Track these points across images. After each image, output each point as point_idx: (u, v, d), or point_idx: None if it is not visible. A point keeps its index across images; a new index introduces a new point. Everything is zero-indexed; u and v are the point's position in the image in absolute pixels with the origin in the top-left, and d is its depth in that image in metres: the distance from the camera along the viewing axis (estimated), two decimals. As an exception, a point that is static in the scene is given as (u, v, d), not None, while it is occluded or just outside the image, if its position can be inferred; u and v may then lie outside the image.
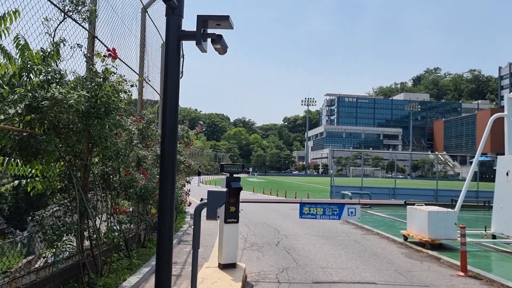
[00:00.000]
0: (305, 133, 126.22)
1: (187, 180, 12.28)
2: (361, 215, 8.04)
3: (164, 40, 5.86)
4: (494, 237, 10.28)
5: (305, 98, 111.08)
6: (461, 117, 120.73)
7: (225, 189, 3.80)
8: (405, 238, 10.16)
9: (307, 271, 7.17)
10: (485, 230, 10.50)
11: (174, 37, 3.29)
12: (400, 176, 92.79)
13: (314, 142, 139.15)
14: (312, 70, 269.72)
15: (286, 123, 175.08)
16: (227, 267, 6.41)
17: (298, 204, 7.24)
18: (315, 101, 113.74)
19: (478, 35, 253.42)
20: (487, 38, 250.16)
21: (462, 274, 7.18)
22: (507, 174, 9.93)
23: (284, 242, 9.83)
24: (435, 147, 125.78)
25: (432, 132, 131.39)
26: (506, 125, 10.34)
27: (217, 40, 3.28)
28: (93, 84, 5.11)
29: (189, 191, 12.23)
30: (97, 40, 6.26)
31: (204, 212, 3.88)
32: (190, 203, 12.21)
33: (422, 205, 10.14)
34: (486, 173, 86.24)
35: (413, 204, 10.04)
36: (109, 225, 6.04)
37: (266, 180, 53.60)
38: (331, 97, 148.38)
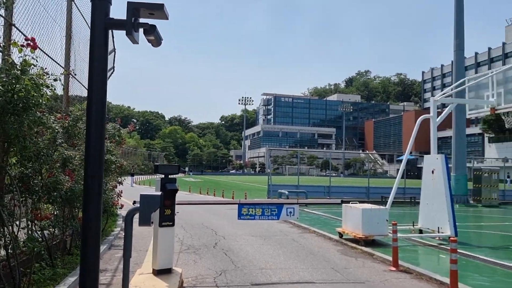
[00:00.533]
0: (243, 132, 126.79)
1: (119, 181, 11.66)
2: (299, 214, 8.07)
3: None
4: (421, 231, 10.84)
5: (243, 97, 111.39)
6: (389, 118, 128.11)
7: (159, 193, 3.52)
8: (341, 235, 10.40)
9: (246, 273, 7.04)
10: (413, 226, 11.04)
11: (100, 25, 2.96)
12: (334, 174, 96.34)
13: (251, 141, 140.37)
14: (250, 69, 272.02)
15: (223, 122, 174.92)
16: (162, 272, 6.09)
17: (236, 205, 7.09)
18: (252, 100, 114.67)
19: (404, 41, 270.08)
20: (412, 44, 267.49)
21: (394, 269, 7.44)
22: (432, 172, 10.50)
23: (221, 244, 9.63)
24: (365, 146, 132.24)
25: (363, 132, 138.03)
26: (431, 126, 10.94)
27: (150, 30, 3.00)
28: (9, 77, 4.56)
29: (121, 192, 11.63)
30: (15, 29, 5.64)
31: (136, 217, 3.59)
32: (122, 206, 11.61)
33: (356, 203, 10.43)
34: (411, 170, 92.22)
35: (348, 202, 10.28)
36: (29, 232, 5.46)
37: (202, 180, 53.03)
38: (268, 97, 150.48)
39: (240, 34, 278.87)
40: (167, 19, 3.02)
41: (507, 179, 36.89)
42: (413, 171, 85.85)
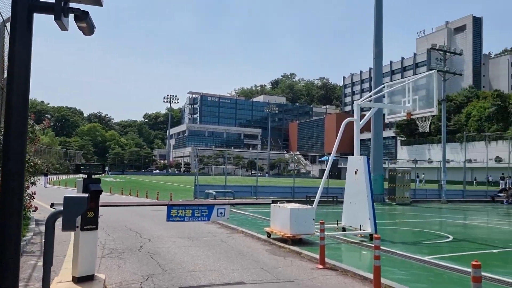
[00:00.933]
0: (167, 131, 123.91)
1: (32, 181, 10.73)
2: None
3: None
4: (344, 229, 11.30)
5: (168, 95, 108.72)
6: (312, 120, 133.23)
7: (86, 194, 3.21)
8: (269, 235, 10.50)
9: (174, 276, 6.80)
10: (337, 224, 11.48)
11: (24, 9, 2.61)
12: (259, 174, 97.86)
13: (176, 141, 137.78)
14: (176, 67, 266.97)
15: (146, 120, 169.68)
16: (84, 280, 5.65)
17: (163, 206, 6.83)
18: (178, 99, 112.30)
19: (327, 46, 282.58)
20: (335, 50, 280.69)
21: (321, 267, 7.64)
22: (355, 172, 11.00)
23: (147, 247, 9.24)
24: (290, 147, 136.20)
25: (287, 133, 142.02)
26: (355, 129, 11.46)
27: (83, 17, 2.72)
28: None
29: (34, 193, 10.70)
30: None
31: (58, 222, 3.25)
32: (36, 208, 10.69)
33: (284, 203, 10.61)
34: (332, 171, 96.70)
35: (277, 202, 10.41)
36: None
37: (124, 180, 50.90)
38: (194, 95, 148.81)
39: (166, 31, 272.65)
40: (101, 5, 2.75)
41: (416, 179, 40.05)
42: (334, 171, 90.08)
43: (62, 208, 3.07)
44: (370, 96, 11.81)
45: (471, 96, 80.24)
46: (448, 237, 11.10)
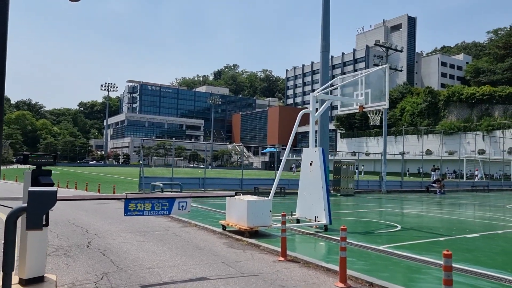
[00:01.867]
0: (105, 120, 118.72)
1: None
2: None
3: None
4: (298, 221, 11.34)
5: (105, 83, 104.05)
6: (255, 112, 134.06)
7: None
8: (224, 227, 10.27)
9: (132, 274, 6.37)
10: (291, 215, 11.50)
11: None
12: (202, 166, 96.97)
13: (114, 131, 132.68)
14: (113, 54, 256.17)
15: (82, 109, 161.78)
16: (33, 282, 5.11)
17: (107, 200, 6.36)
18: (116, 87, 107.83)
19: (270, 38, 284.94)
20: (277, 43, 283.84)
21: (282, 259, 7.55)
22: (310, 164, 11.05)
23: (96, 243, 8.64)
24: (233, 138, 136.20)
25: (230, 125, 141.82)
26: (310, 120, 11.50)
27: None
28: None
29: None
30: None
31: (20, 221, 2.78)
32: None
33: (240, 195, 10.39)
34: (274, 162, 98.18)
35: (236, 194, 10.16)
36: None
37: (58, 172, 48.05)
38: (133, 84, 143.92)
39: (101, 17, 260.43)
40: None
41: (356, 170, 41.63)
42: (276, 162, 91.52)
43: (25, 204, 2.65)
44: (326, 88, 11.90)
45: (406, 92, 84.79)
46: (397, 226, 11.52)
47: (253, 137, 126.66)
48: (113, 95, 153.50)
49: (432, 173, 37.12)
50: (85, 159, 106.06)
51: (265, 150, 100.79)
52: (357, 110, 11.94)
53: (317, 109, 11.82)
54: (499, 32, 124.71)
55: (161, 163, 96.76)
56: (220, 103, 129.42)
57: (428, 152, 58.94)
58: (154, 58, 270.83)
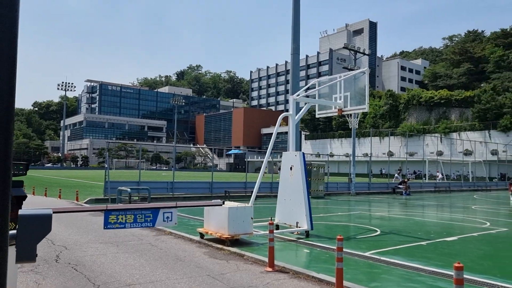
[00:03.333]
0: (61, 121, 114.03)
1: None
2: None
3: None
4: (277, 227, 11.01)
5: (62, 82, 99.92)
6: (220, 113, 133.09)
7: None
8: (202, 235, 9.80)
9: (111, 292, 5.81)
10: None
11: None
12: (164, 168, 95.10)
13: (71, 132, 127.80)
14: (71, 53, 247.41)
15: (36, 109, 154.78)
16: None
17: (88, 211, 5.74)
18: (74, 87, 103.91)
19: (234, 39, 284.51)
20: (242, 44, 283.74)
21: (270, 269, 7.18)
22: (290, 168, 10.76)
23: (65, 256, 7.94)
24: (196, 140, 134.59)
25: (194, 126, 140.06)
26: (290, 123, 11.22)
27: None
28: None
29: None
30: None
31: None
32: None
33: (218, 201, 9.95)
34: (240, 164, 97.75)
35: (212, 199, 9.71)
36: None
37: (15, 175, 45.37)
38: (92, 84, 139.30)
39: (60, 12, 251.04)
40: None
41: (326, 172, 41.99)
42: (242, 164, 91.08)
43: (13, 231, 2.15)
44: (306, 91, 11.66)
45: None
46: (376, 231, 11.44)
47: (218, 138, 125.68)
48: (70, 95, 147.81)
49: (396, 175, 37.98)
50: (40, 161, 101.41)
51: (230, 152, 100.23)
52: (336, 113, 11.79)
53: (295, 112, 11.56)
54: (454, 39, 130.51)
55: (122, 165, 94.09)
56: (183, 104, 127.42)
57: (390, 154, 60.52)
58: (114, 57, 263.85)
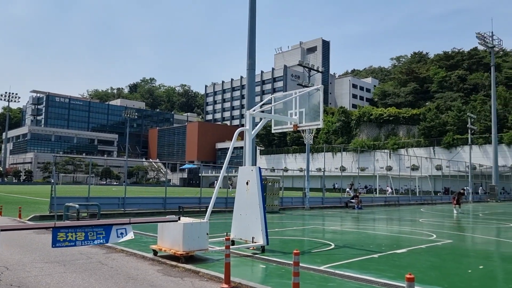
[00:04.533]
0: (4, 133, 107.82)
1: None
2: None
3: None
4: (233, 242, 10.90)
5: (6, 93, 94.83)
6: (173, 127, 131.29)
7: None
8: (155, 252, 9.51)
9: (57, 316, 5.46)
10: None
11: None
12: (115, 183, 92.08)
13: (14, 145, 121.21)
14: (16, 62, 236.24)
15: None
16: None
17: (34, 229, 5.44)
18: (19, 97, 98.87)
19: (188, 53, 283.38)
20: (196, 58, 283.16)
21: (226, 286, 7.06)
22: (247, 183, 10.75)
23: (7, 277, 7.41)
24: (149, 154, 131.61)
25: (147, 140, 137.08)
26: (246, 138, 11.25)
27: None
28: None
29: None
30: None
31: None
32: None
33: (173, 216, 9.73)
34: (193, 179, 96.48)
35: (179, 218, 9.47)
36: None
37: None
38: (39, 95, 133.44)
39: (3, 20, 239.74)
40: None
41: (281, 187, 42.32)
42: (196, 179, 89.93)
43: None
44: (262, 107, 11.77)
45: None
46: (331, 245, 11.61)
47: (171, 153, 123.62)
48: (14, 106, 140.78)
49: (347, 190, 38.99)
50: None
51: (183, 167, 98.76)
52: (292, 129, 11.96)
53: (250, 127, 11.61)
54: (401, 59, 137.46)
55: (69, 180, 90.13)
56: (135, 117, 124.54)
57: (343, 169, 62.17)
58: (63, 68, 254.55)
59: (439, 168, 59.97)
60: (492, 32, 54.18)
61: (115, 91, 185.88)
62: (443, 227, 17.77)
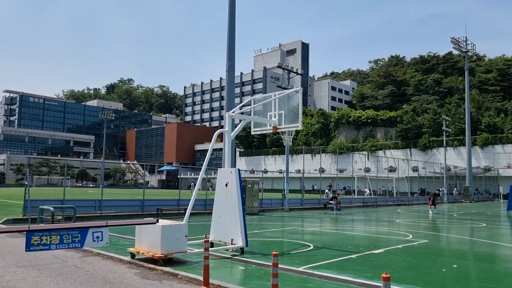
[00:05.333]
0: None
1: None
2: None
3: None
4: (212, 244, 10.85)
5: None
6: (152, 128, 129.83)
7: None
8: (133, 255, 9.38)
9: (31, 322, 5.32)
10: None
11: None
12: (91, 185, 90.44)
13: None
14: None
15: None
16: None
17: (6, 232, 5.29)
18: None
19: (167, 54, 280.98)
20: (175, 59, 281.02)
21: (205, 288, 7.04)
22: (226, 185, 10.72)
23: (-22, 283, 7.18)
24: (127, 155, 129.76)
25: (124, 141, 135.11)
26: (225, 140, 11.23)
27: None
28: None
29: None
30: None
31: None
32: None
33: (151, 219, 9.63)
34: (172, 181, 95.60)
35: (157, 220, 9.36)
36: None
37: None
38: (12, 95, 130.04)
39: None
40: None
41: (261, 189, 42.35)
42: (174, 181, 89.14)
43: None
44: (241, 108, 11.76)
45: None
46: (309, 246, 11.69)
47: (149, 154, 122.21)
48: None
49: (326, 191, 39.34)
50: None
51: (162, 168, 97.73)
52: (271, 131, 12.00)
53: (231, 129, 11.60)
54: (379, 62, 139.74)
55: (43, 182, 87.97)
56: (113, 118, 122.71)
57: (322, 170, 62.71)
58: (37, 67, 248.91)
59: (415, 169, 61.18)
60: (466, 37, 55.71)
61: (91, 91, 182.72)
62: (419, 228, 18.12)
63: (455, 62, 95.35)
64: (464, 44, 55.39)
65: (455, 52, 68.93)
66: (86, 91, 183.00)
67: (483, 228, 18.44)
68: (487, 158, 64.04)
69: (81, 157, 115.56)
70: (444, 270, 8.80)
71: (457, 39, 54.40)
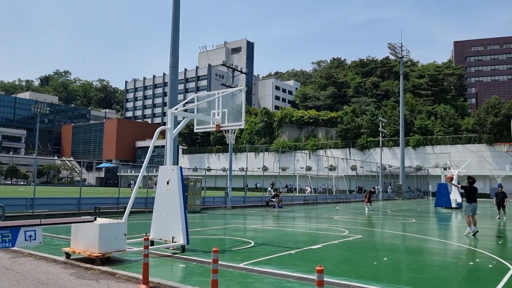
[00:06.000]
0: None
1: None
2: None
3: None
4: (152, 243, 10.71)
5: None
6: (90, 124, 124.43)
7: None
8: (68, 255, 9.05)
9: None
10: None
11: None
12: (22, 183, 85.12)
13: None
14: None
15: None
16: None
17: None
18: None
19: (107, 47, 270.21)
20: (116, 53, 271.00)
21: (144, 286, 6.95)
22: (167, 183, 10.63)
23: None
24: (62, 152, 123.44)
25: (60, 137, 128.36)
26: (167, 137, 11.12)
27: None
28: None
29: None
30: None
31: None
32: None
33: (89, 217, 9.33)
34: (111, 179, 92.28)
35: (95, 218, 9.05)
36: None
37: None
38: None
39: None
40: None
41: (203, 187, 42.03)
42: (113, 179, 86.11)
43: None
44: (185, 106, 11.67)
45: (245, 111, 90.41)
46: (250, 242, 11.88)
47: (87, 151, 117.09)
48: None
49: (269, 189, 39.97)
50: None
51: (100, 166, 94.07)
52: (214, 129, 12.04)
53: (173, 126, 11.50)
54: (321, 64, 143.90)
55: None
56: (47, 112, 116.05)
57: (265, 168, 63.56)
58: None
59: (354, 168, 63.82)
60: (401, 43, 59.02)
61: (23, 83, 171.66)
62: (355, 224, 19.00)
63: (391, 66, 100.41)
64: (400, 50, 58.63)
65: (392, 57, 72.70)
66: (17, 83, 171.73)
67: (413, 224, 19.70)
68: (418, 158, 68.27)
69: (11, 152, 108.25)
70: (375, 262, 9.34)
71: (393, 44, 57.45)
